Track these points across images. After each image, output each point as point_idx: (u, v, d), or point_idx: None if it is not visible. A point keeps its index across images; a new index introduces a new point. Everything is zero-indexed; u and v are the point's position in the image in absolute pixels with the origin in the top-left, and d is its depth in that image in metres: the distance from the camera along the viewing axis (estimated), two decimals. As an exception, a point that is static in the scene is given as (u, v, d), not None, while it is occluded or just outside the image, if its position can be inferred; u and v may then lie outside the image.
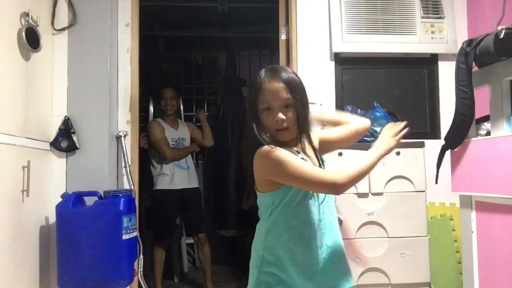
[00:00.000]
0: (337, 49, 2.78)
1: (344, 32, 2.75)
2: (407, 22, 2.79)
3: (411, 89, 2.87)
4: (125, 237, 2.28)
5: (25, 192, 2.12)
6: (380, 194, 2.32)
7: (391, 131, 1.43)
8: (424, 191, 2.33)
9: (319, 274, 1.32)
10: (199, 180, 3.61)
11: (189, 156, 3.53)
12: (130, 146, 2.72)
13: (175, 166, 3.36)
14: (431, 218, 2.67)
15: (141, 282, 2.59)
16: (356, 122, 1.52)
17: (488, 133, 2.01)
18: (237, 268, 4.07)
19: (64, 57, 2.56)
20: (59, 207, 2.30)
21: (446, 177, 2.09)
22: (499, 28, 1.79)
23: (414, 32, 2.79)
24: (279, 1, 2.91)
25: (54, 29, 2.54)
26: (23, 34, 2.11)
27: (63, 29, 2.56)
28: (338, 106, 2.78)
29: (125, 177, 2.67)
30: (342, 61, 2.83)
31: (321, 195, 1.35)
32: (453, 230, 2.72)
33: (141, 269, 2.60)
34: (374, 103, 2.46)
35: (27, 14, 2.17)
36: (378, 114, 2.41)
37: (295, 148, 1.33)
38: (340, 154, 2.24)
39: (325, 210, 1.36)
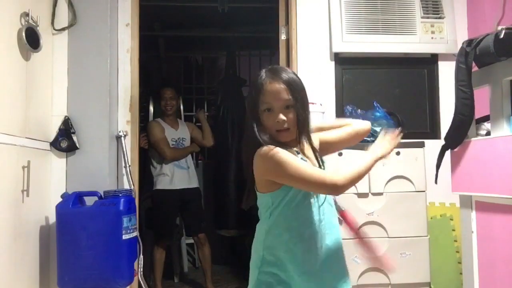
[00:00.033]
0: (337, 49, 2.78)
1: (344, 32, 2.76)
2: (407, 22, 2.79)
3: (411, 89, 2.88)
4: (125, 237, 2.28)
5: (25, 192, 2.12)
6: (380, 194, 2.32)
7: (387, 136, 1.44)
8: (424, 191, 2.33)
9: (319, 274, 1.32)
10: (199, 180, 3.60)
11: (189, 156, 3.53)
12: (130, 146, 2.72)
13: (175, 166, 3.36)
14: (431, 218, 2.67)
15: (141, 282, 2.59)
16: (356, 124, 1.52)
17: (488, 133, 2.01)
18: (237, 268, 4.07)
19: (64, 57, 2.56)
20: (59, 207, 2.30)
21: (446, 177, 2.09)
22: (499, 28, 1.79)
23: (414, 32, 2.79)
24: (279, 1, 2.91)
25: (54, 29, 2.54)
26: (23, 34, 2.11)
27: (63, 29, 2.56)
28: (338, 106, 2.78)
29: (125, 177, 2.67)
30: (342, 61, 2.83)
31: (322, 196, 1.35)
32: (453, 230, 2.72)
33: (141, 269, 2.60)
34: (374, 103, 2.46)
35: (27, 14, 2.17)
36: (378, 114, 2.41)
37: (294, 149, 1.34)
38: (340, 154, 2.24)
39: (326, 211, 1.36)
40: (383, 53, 2.80)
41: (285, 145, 1.32)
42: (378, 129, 2.37)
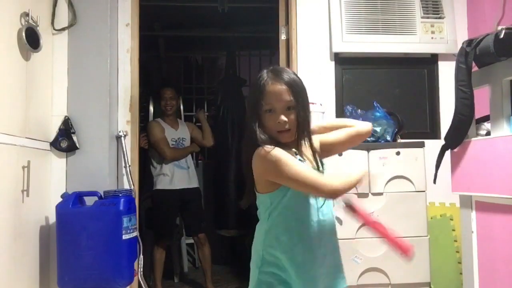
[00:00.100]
0: (337, 49, 2.78)
1: (344, 32, 2.76)
2: (407, 22, 2.79)
3: (411, 89, 2.88)
4: (125, 237, 2.28)
5: (25, 192, 2.12)
6: (380, 194, 2.32)
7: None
8: (424, 191, 2.33)
9: (317, 275, 1.33)
10: (199, 180, 3.60)
11: (189, 156, 3.53)
12: (130, 146, 2.72)
13: (175, 166, 3.36)
14: (431, 218, 2.67)
15: (141, 282, 2.59)
16: (357, 126, 1.51)
17: (488, 133, 2.01)
18: (237, 268, 4.07)
19: (64, 57, 2.56)
20: (59, 207, 2.30)
21: (446, 177, 2.09)
22: (499, 28, 1.79)
23: (414, 32, 2.79)
24: (279, 1, 2.91)
25: (54, 29, 2.54)
26: (23, 34, 2.11)
27: (63, 29, 2.56)
28: (338, 106, 2.78)
29: (125, 177, 2.68)
30: (342, 61, 2.83)
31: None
32: (453, 230, 2.72)
33: (141, 269, 2.60)
34: (374, 103, 2.46)
35: (27, 14, 2.17)
36: (378, 114, 2.41)
37: (293, 150, 1.34)
38: (340, 154, 2.24)
39: (325, 212, 1.36)
40: (383, 53, 2.80)
41: (285, 146, 1.32)
42: (378, 129, 2.38)
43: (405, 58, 2.87)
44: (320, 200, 1.35)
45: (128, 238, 2.30)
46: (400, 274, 2.28)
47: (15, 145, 2.06)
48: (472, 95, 1.90)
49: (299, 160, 1.32)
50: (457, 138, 2.00)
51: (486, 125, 2.07)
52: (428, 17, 2.81)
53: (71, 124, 2.51)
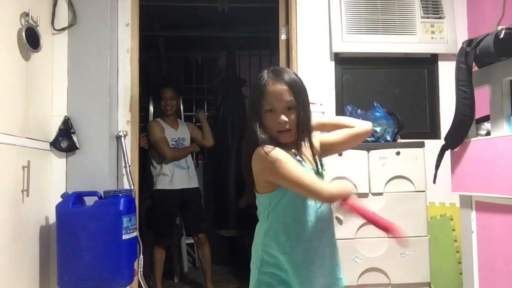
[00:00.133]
0: (337, 49, 2.78)
1: (344, 32, 2.76)
2: (407, 22, 2.79)
3: (411, 89, 2.88)
4: (125, 237, 2.28)
5: (25, 192, 2.12)
6: (380, 194, 2.32)
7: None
8: (424, 191, 2.33)
9: (315, 275, 1.33)
10: (199, 180, 3.60)
11: (189, 156, 3.53)
12: (130, 146, 2.72)
13: (175, 166, 3.36)
14: (431, 218, 2.67)
15: (141, 282, 2.60)
16: (357, 125, 1.51)
17: (488, 133, 2.01)
18: (237, 268, 4.07)
19: (64, 57, 2.56)
20: (59, 207, 2.30)
21: (446, 177, 2.09)
22: (499, 28, 1.79)
23: (414, 32, 2.79)
24: (279, 1, 2.91)
25: (54, 29, 2.54)
26: (23, 34, 2.11)
27: (63, 29, 2.56)
28: (338, 106, 2.79)
29: (125, 177, 2.68)
30: (342, 61, 2.83)
31: None
32: (453, 230, 2.72)
33: (141, 269, 2.60)
34: (374, 103, 2.46)
35: (27, 14, 2.17)
36: (378, 114, 2.41)
37: (293, 150, 1.34)
38: (340, 154, 2.24)
39: (324, 212, 1.36)
40: (383, 53, 2.80)
41: (285, 146, 1.32)
42: (378, 129, 2.38)
43: (405, 58, 2.87)
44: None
45: (128, 238, 2.30)
46: (400, 274, 2.28)
47: (15, 145, 2.06)
48: (473, 95, 1.90)
49: (298, 160, 1.32)
50: (457, 138, 2.00)
51: (486, 125, 2.07)
52: (428, 17, 2.81)
53: (71, 124, 2.51)
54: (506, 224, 1.80)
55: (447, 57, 2.82)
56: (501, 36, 1.75)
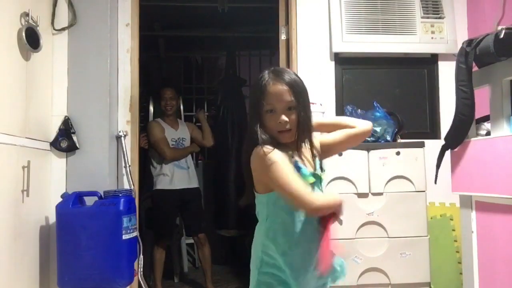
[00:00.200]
0: (337, 49, 2.78)
1: (344, 32, 2.76)
2: (407, 22, 2.79)
3: (411, 89, 2.88)
4: (125, 237, 2.28)
5: (25, 192, 2.12)
6: (380, 194, 2.32)
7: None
8: (424, 191, 2.33)
9: (313, 276, 1.34)
10: (199, 180, 3.60)
11: (189, 156, 3.53)
12: (130, 146, 2.72)
13: (175, 166, 3.36)
14: (431, 218, 2.67)
15: (141, 282, 2.59)
16: (357, 125, 1.51)
17: (488, 133, 2.01)
18: (237, 268, 4.07)
19: (64, 57, 2.56)
20: (59, 207, 2.30)
21: (446, 177, 2.09)
22: (499, 28, 1.79)
23: (414, 32, 2.79)
24: (279, 1, 2.91)
25: (54, 29, 2.54)
26: (23, 34, 2.11)
27: (63, 29, 2.56)
28: (338, 106, 2.79)
29: (125, 177, 2.68)
30: (342, 61, 2.84)
31: None
32: (453, 230, 2.72)
33: (141, 269, 2.60)
34: (374, 103, 2.46)
35: (27, 14, 2.17)
36: (378, 114, 2.41)
37: (290, 152, 1.33)
38: (340, 154, 2.24)
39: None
40: (383, 53, 2.80)
41: (285, 146, 1.32)
42: (378, 129, 2.38)
43: (405, 58, 2.87)
44: None
45: (128, 238, 2.30)
46: (400, 274, 2.28)
47: (15, 145, 2.06)
48: (473, 95, 1.90)
49: (295, 161, 1.32)
50: (457, 138, 2.00)
51: (486, 125, 2.07)
52: (428, 17, 2.81)
53: (71, 124, 2.52)
54: (506, 224, 1.80)
55: (447, 57, 2.82)
56: (501, 36, 1.75)
